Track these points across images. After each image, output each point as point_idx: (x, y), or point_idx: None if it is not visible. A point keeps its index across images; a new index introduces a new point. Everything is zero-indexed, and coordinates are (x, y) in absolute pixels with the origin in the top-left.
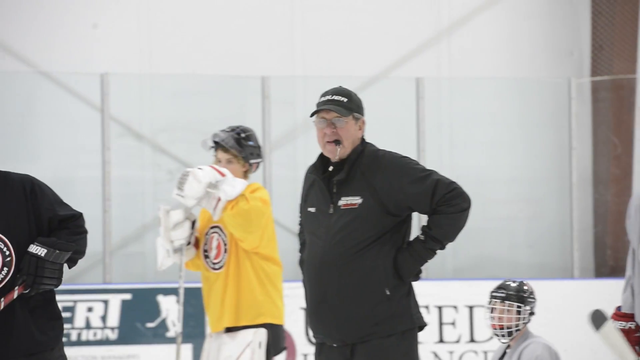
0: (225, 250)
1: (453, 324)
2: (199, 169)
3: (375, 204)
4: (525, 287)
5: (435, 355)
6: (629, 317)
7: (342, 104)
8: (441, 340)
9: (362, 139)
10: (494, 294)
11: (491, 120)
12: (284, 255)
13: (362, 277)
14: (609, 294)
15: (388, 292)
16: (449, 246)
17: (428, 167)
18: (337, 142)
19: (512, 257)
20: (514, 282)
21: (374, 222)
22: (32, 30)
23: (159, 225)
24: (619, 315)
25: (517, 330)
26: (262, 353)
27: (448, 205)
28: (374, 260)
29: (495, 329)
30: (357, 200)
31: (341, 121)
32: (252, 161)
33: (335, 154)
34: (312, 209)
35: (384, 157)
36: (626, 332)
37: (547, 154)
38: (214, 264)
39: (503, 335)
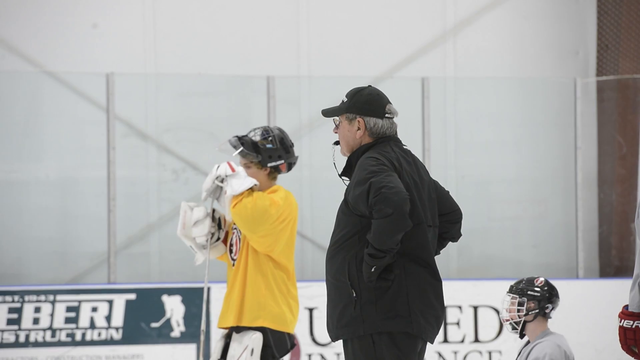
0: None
1: (457, 324)
2: (218, 165)
3: (344, 202)
4: (535, 281)
5: (440, 355)
6: (636, 316)
7: (340, 105)
8: (445, 340)
9: (377, 139)
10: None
11: (496, 120)
12: None
13: (335, 278)
14: (614, 294)
15: (354, 295)
16: (453, 246)
17: (376, 170)
18: (338, 142)
19: (517, 257)
20: (531, 277)
21: (345, 221)
22: (37, 30)
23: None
24: (626, 314)
25: (517, 323)
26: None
27: (375, 210)
28: (343, 262)
29: (504, 322)
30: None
31: (338, 122)
32: (269, 164)
33: (341, 153)
34: None
35: (360, 158)
36: (633, 332)
37: (552, 153)
38: (233, 259)
39: (512, 328)
